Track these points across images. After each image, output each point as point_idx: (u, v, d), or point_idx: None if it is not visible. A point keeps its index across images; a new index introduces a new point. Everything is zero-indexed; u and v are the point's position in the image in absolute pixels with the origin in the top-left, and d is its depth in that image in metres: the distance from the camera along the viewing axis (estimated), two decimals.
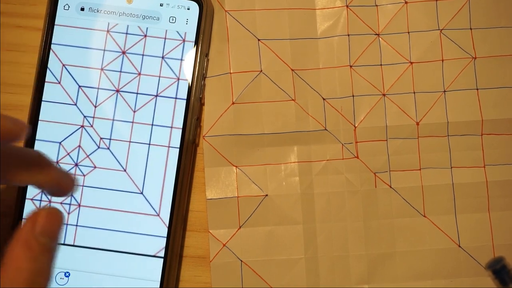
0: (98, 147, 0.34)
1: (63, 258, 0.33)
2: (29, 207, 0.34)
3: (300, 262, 0.35)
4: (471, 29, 0.36)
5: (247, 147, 0.36)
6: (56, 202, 0.34)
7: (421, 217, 0.35)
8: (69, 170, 0.34)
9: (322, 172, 0.36)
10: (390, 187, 0.35)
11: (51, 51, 0.35)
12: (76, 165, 0.34)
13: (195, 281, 0.35)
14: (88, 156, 0.34)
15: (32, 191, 0.34)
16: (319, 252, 0.35)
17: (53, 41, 0.35)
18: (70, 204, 0.34)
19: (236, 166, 0.36)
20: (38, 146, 0.34)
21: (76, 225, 0.34)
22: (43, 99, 0.34)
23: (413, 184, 0.35)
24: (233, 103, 0.36)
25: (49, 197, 0.34)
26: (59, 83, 0.35)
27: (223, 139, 0.36)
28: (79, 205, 0.34)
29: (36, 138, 0.34)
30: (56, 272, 0.34)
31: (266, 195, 0.35)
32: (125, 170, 0.34)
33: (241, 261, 0.35)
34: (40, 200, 0.34)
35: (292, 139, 0.35)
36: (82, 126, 0.34)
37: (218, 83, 0.36)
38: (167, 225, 0.34)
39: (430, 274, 0.35)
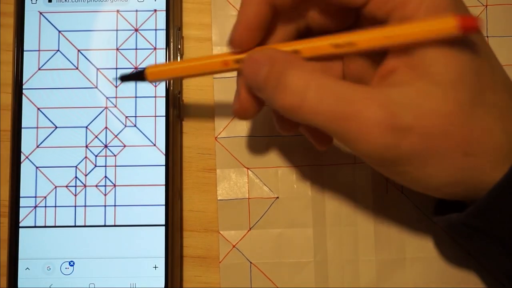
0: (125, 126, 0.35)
1: (68, 247, 0.34)
2: (25, 206, 0.34)
3: (310, 266, 0.34)
4: (487, 37, 0.36)
5: (259, 149, 0.35)
6: (92, 185, 0.34)
7: (432, 224, 0.35)
8: (99, 152, 0.35)
9: (333, 176, 0.35)
10: (402, 192, 0.35)
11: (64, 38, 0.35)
12: (106, 146, 0.35)
13: (195, 281, 0.35)
14: (116, 136, 0.35)
15: (27, 190, 0.34)
16: (328, 256, 0.35)
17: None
18: (105, 186, 0.34)
19: (247, 168, 0.35)
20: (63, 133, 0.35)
21: (105, 206, 0.34)
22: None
23: None
24: None
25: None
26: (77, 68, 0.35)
27: (235, 140, 0.35)
28: (115, 185, 0.34)
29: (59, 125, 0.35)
30: (61, 262, 0.34)
31: (277, 197, 0.35)
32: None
33: (251, 262, 0.35)
34: (35, 197, 0.34)
35: (304, 142, 0.35)
36: (106, 108, 0.35)
37: (232, 85, 0.35)
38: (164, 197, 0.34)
39: (439, 282, 0.35)
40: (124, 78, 0.30)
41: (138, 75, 0.30)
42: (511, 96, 0.26)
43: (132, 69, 0.31)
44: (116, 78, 0.34)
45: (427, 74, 0.25)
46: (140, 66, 0.35)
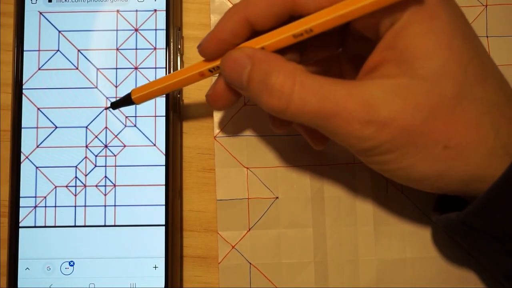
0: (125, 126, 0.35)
1: (68, 247, 0.34)
2: (25, 206, 0.34)
3: (310, 266, 0.34)
4: (487, 37, 0.36)
5: (258, 149, 0.35)
6: (92, 185, 0.34)
7: (432, 224, 0.35)
8: (99, 152, 0.35)
9: (333, 176, 0.35)
10: (402, 192, 0.35)
11: (64, 37, 0.35)
12: (106, 146, 0.35)
13: (195, 281, 0.35)
14: (116, 136, 0.35)
15: (27, 190, 0.34)
16: (328, 256, 0.35)
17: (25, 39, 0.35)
18: (105, 186, 0.34)
19: (247, 168, 0.35)
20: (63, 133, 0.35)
21: (105, 206, 0.34)
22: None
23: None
24: (245, 104, 0.36)
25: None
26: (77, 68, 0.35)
27: (234, 140, 0.35)
28: (115, 185, 0.34)
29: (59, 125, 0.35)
30: (61, 262, 0.34)
31: (277, 197, 0.35)
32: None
33: (250, 263, 0.34)
34: (35, 197, 0.34)
35: (304, 142, 0.35)
36: (106, 108, 0.35)
37: None
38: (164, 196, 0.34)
39: (439, 281, 0.35)
40: (115, 105, 0.32)
41: (126, 100, 0.31)
42: (502, 90, 0.26)
43: (121, 96, 0.32)
44: (108, 107, 0.34)
45: (411, 68, 0.25)
46: (140, 66, 0.35)
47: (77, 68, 0.35)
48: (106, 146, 0.34)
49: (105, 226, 0.34)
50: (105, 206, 0.34)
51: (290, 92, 0.26)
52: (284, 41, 0.27)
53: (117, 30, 0.35)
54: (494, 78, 0.26)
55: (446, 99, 0.25)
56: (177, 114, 0.35)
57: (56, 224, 0.34)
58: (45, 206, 0.34)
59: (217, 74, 0.30)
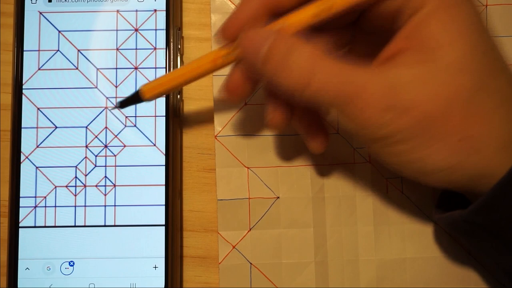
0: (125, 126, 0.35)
1: (68, 247, 0.34)
2: (25, 206, 0.34)
3: (310, 266, 0.34)
4: None
5: (259, 149, 0.35)
6: (92, 185, 0.34)
7: (432, 224, 0.35)
8: (99, 152, 0.34)
9: (334, 176, 0.35)
10: (402, 192, 0.35)
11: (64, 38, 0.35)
12: (106, 146, 0.34)
13: (195, 281, 0.35)
14: (116, 136, 0.35)
15: (27, 191, 0.34)
16: (329, 256, 0.35)
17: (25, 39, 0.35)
18: (105, 186, 0.34)
19: (248, 168, 0.35)
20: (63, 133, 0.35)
21: (105, 206, 0.34)
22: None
23: (425, 190, 0.35)
24: (245, 103, 0.36)
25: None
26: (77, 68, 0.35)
27: (235, 139, 0.35)
28: (115, 185, 0.34)
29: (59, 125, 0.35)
30: (61, 262, 0.34)
31: (278, 197, 0.35)
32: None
33: (251, 263, 0.34)
34: (35, 197, 0.34)
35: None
36: (114, 108, 0.35)
37: None
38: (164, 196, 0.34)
39: (439, 281, 0.34)
40: (123, 104, 0.30)
41: (134, 97, 0.30)
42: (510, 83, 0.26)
43: (129, 94, 0.31)
44: (115, 106, 0.34)
45: (432, 57, 0.25)
46: (140, 66, 0.35)
47: (77, 68, 0.35)
48: (106, 146, 0.34)
49: (105, 226, 0.34)
50: (105, 206, 0.34)
51: (311, 70, 0.26)
52: (305, 19, 0.27)
53: (117, 30, 0.35)
54: (506, 73, 0.26)
55: (463, 89, 0.25)
56: (177, 114, 0.35)
57: (56, 224, 0.34)
58: (45, 206, 0.34)
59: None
